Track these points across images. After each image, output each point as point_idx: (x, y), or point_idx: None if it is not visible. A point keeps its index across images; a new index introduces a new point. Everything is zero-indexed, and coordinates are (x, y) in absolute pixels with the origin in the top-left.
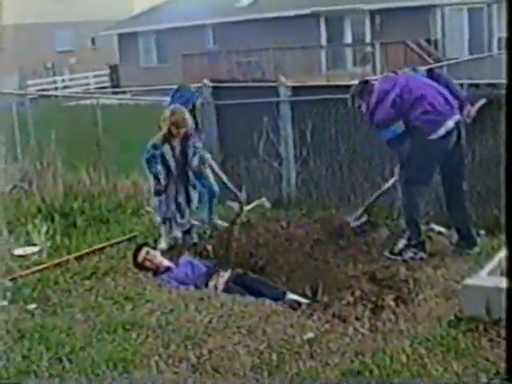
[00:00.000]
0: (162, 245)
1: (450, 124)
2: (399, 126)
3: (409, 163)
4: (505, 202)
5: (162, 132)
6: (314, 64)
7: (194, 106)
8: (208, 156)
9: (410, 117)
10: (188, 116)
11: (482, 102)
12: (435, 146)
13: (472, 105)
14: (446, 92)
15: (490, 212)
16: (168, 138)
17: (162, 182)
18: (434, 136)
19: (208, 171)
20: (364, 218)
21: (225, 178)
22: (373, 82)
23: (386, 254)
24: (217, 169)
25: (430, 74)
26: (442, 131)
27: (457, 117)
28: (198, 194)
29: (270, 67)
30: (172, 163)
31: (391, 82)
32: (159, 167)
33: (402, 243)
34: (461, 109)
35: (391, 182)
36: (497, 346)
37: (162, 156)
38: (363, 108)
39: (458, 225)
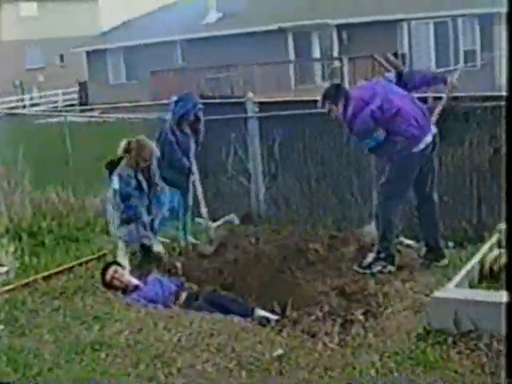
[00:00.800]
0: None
1: (429, 137)
2: (380, 134)
3: (391, 178)
4: (505, 209)
5: (129, 162)
6: (282, 79)
7: (196, 116)
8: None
9: (390, 128)
10: (155, 149)
11: (459, 71)
12: (416, 159)
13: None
14: (421, 104)
15: (459, 224)
16: (136, 168)
17: (135, 209)
18: (415, 149)
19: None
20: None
21: (201, 195)
22: (346, 88)
23: (355, 267)
24: (198, 185)
25: (400, 76)
26: (422, 145)
27: (433, 130)
28: (172, 210)
29: (238, 83)
30: (145, 187)
31: (370, 92)
32: (133, 195)
33: (370, 257)
34: (445, 84)
35: None
36: (465, 358)
37: (135, 184)
38: (333, 112)
39: (427, 237)
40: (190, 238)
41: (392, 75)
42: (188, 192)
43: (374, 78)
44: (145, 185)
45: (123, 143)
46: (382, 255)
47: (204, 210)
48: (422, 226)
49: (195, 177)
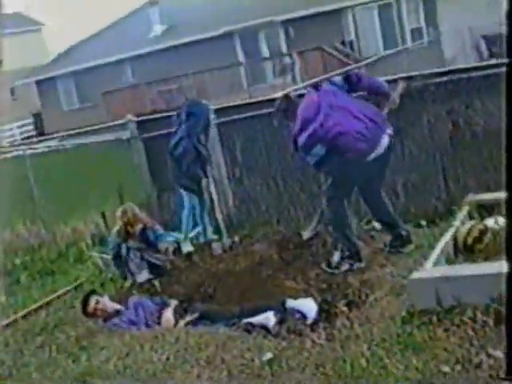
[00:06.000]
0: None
1: (383, 146)
2: (320, 149)
3: (335, 182)
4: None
5: (118, 229)
6: (235, 82)
7: (207, 122)
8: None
9: (336, 144)
10: (138, 211)
11: (402, 85)
12: (365, 167)
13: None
14: (370, 110)
15: (428, 202)
16: (125, 236)
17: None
18: (365, 159)
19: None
20: (320, 227)
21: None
22: (296, 101)
23: (324, 267)
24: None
25: (349, 80)
26: (373, 155)
27: (386, 135)
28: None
29: (192, 92)
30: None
31: (313, 111)
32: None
33: (337, 256)
34: (388, 99)
35: None
36: (452, 334)
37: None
38: (290, 126)
39: (386, 227)
40: (210, 235)
41: (339, 79)
42: (203, 195)
43: (322, 85)
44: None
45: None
46: (347, 254)
47: (219, 216)
48: (378, 219)
49: (210, 181)
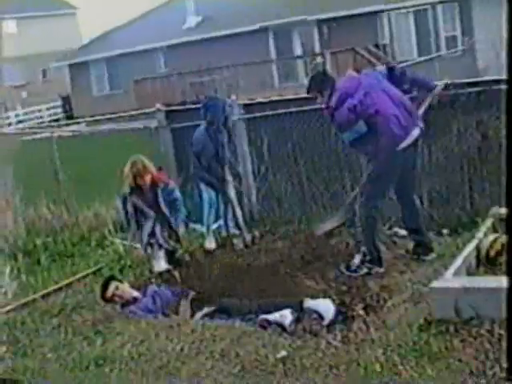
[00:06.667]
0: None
1: (415, 134)
2: (361, 127)
3: (372, 178)
4: (505, 206)
5: (127, 183)
6: (266, 78)
7: (225, 118)
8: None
9: (371, 124)
10: (148, 162)
11: (441, 87)
12: (399, 157)
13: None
14: (407, 102)
15: (452, 211)
16: (135, 188)
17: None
18: (398, 148)
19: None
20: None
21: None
22: (333, 77)
23: (342, 269)
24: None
25: (392, 70)
26: (405, 144)
27: (418, 128)
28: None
29: (222, 85)
30: (145, 209)
31: (355, 84)
32: (130, 215)
33: (357, 259)
34: (430, 93)
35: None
36: (469, 345)
37: (134, 205)
38: (318, 100)
39: (412, 233)
40: (232, 229)
41: (383, 68)
42: (225, 190)
43: (365, 70)
44: (141, 204)
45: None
46: (368, 258)
47: (238, 212)
48: (405, 222)
49: (229, 179)
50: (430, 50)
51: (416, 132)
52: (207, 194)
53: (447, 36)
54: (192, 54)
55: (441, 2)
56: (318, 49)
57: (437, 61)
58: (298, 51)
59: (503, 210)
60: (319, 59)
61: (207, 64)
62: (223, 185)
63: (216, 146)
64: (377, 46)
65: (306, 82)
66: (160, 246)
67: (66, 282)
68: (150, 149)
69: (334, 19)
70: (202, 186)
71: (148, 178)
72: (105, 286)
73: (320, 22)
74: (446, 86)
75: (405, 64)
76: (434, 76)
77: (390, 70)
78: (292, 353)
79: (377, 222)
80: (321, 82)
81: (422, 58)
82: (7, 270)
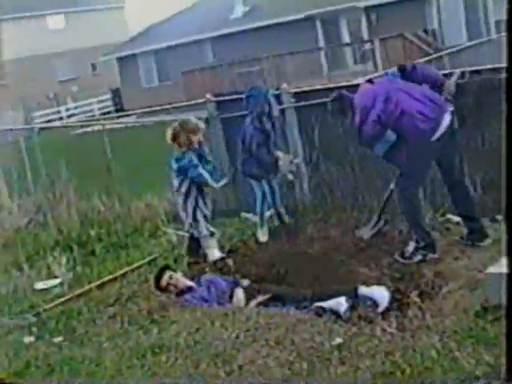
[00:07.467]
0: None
1: (444, 124)
2: (390, 136)
3: (406, 169)
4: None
5: (182, 141)
6: (315, 67)
7: (269, 108)
8: None
9: (399, 128)
10: (200, 123)
11: (457, 75)
12: (431, 148)
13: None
14: (429, 92)
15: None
16: (189, 146)
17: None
18: (430, 140)
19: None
20: (380, 224)
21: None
22: (350, 96)
23: (397, 257)
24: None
25: (404, 71)
26: (437, 135)
27: (448, 114)
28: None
29: (271, 75)
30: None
31: (370, 98)
32: (197, 171)
33: (411, 246)
34: (443, 88)
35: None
36: None
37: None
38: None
39: (466, 220)
40: (285, 218)
41: (393, 70)
42: (273, 180)
43: (375, 79)
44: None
45: (169, 131)
46: (422, 244)
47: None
48: (457, 209)
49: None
50: (480, 34)
51: (447, 119)
52: (257, 185)
53: (497, 20)
54: (240, 44)
55: None
56: (366, 36)
57: (487, 45)
58: (346, 38)
59: None
60: (368, 46)
61: (255, 54)
62: (270, 175)
63: (262, 136)
64: (425, 31)
65: (355, 68)
66: (205, 217)
67: (121, 272)
68: None
69: (382, 5)
70: (252, 181)
71: (199, 137)
72: (159, 276)
73: (368, 9)
74: (463, 75)
75: (454, 49)
76: (484, 60)
77: (401, 69)
78: (347, 340)
79: (419, 210)
80: (339, 104)
81: (472, 43)
82: (63, 261)
